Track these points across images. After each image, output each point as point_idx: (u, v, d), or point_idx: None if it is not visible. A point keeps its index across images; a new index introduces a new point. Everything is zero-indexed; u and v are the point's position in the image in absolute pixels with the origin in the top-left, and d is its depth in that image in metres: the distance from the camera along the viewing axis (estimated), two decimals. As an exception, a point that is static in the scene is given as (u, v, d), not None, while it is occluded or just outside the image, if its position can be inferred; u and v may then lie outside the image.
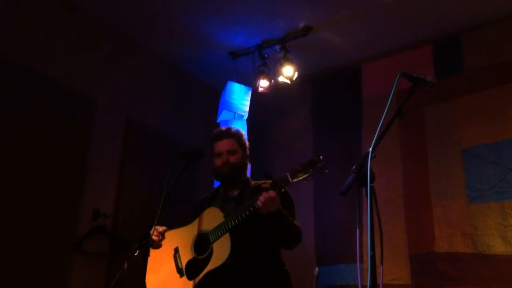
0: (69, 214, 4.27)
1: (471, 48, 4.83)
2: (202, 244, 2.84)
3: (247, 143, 3.20)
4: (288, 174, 2.60)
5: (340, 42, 5.17)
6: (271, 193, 2.60)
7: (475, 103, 4.67)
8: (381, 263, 2.01)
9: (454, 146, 4.66)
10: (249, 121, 5.19)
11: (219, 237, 2.75)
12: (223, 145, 3.09)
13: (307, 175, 2.56)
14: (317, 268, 5.10)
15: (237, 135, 3.15)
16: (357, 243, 2.13)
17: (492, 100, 4.58)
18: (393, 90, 2.13)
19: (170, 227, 3.10)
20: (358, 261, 2.18)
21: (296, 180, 2.58)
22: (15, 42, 4.10)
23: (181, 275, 2.84)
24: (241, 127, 4.65)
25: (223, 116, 5.15)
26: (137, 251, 2.51)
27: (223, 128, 3.25)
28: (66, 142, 4.34)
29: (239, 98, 5.12)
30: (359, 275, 2.11)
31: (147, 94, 5.21)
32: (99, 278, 4.34)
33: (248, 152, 3.20)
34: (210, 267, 2.71)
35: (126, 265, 2.40)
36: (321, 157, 2.54)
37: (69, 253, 4.19)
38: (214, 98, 5.31)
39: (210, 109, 5.34)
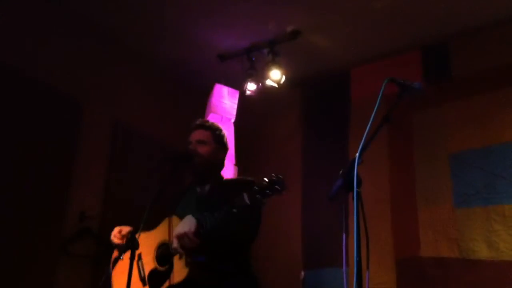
0: (55, 216, 4.24)
1: (459, 54, 4.86)
2: (165, 254, 2.71)
3: (225, 139, 3.07)
4: (245, 194, 2.44)
5: (329, 47, 5.18)
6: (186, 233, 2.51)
7: (462, 109, 4.70)
8: (367, 267, 2.01)
9: (442, 151, 4.68)
10: (236, 124, 5.18)
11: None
12: (194, 135, 3.00)
13: (264, 197, 2.42)
14: (303, 272, 5.11)
15: (212, 128, 3.03)
16: (343, 247, 2.13)
17: (479, 106, 4.60)
18: (380, 96, 2.12)
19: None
20: (344, 265, 2.17)
21: (253, 201, 2.43)
22: (2, 44, 4.06)
23: (144, 284, 2.74)
24: (228, 131, 4.63)
25: (210, 118, 5.13)
26: (122, 255, 2.47)
27: (200, 120, 3.14)
28: (53, 145, 4.30)
29: (227, 101, 5.11)
30: (344, 280, 2.10)
31: (134, 96, 5.18)
32: (85, 281, 4.32)
33: (225, 149, 3.07)
34: (171, 281, 2.58)
35: (111, 269, 2.38)
36: (280, 176, 2.38)
37: (55, 255, 4.17)
38: (202, 101, 5.29)
39: (198, 111, 5.31)
